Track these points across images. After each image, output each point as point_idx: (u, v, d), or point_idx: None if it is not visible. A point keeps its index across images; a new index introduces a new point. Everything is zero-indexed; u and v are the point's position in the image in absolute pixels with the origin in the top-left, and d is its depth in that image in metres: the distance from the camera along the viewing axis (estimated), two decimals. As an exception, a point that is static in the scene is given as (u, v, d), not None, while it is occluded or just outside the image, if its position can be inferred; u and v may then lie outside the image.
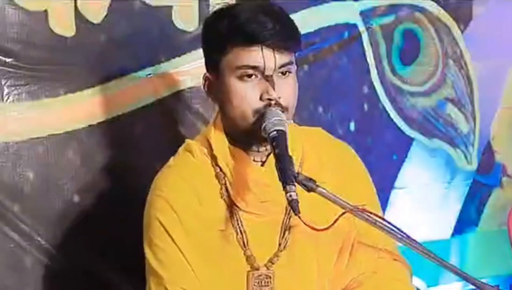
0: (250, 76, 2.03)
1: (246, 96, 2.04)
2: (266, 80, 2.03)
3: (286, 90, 2.05)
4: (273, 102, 2.02)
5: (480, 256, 3.41)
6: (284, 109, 2.04)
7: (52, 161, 2.45)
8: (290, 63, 2.06)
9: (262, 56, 2.02)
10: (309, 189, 1.91)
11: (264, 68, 2.02)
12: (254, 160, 2.12)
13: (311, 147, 2.19)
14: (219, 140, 2.13)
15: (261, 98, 2.03)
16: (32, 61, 2.40)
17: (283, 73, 2.05)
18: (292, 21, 2.10)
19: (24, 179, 2.40)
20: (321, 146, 2.22)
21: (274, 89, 2.02)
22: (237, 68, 2.04)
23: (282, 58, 2.04)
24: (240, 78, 2.04)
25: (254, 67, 2.03)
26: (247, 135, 2.08)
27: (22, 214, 2.40)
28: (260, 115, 2.02)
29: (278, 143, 1.97)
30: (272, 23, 2.03)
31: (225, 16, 2.08)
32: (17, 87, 2.39)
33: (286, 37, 2.05)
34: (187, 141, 2.21)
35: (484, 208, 3.51)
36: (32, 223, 2.42)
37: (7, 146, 2.37)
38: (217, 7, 2.19)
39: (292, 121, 2.15)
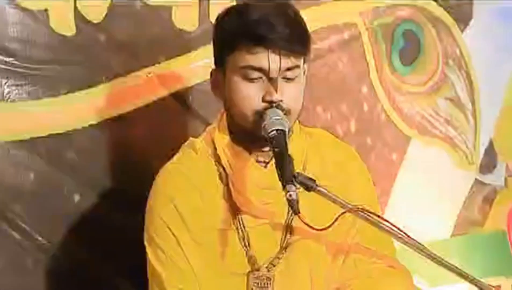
0: (254, 78, 2.03)
1: (249, 96, 2.03)
2: (270, 82, 2.02)
3: (290, 94, 2.04)
4: (274, 104, 2.02)
5: (484, 256, 3.41)
6: (286, 112, 2.03)
7: (53, 161, 2.45)
8: (296, 66, 2.05)
9: (268, 59, 2.01)
10: (309, 189, 1.91)
11: (269, 71, 2.02)
12: (257, 161, 2.12)
13: (314, 148, 2.19)
14: (223, 140, 2.14)
15: (263, 100, 2.03)
16: (33, 60, 2.40)
17: (288, 79, 2.04)
18: (303, 24, 2.08)
19: (25, 178, 2.40)
20: (324, 148, 2.22)
21: (277, 91, 2.01)
22: (241, 68, 2.03)
23: (288, 61, 2.02)
24: (244, 78, 2.04)
25: (259, 69, 2.02)
26: (248, 134, 2.08)
27: (23, 214, 2.39)
28: (260, 115, 2.02)
29: (278, 143, 1.97)
30: (282, 26, 2.01)
31: (236, 15, 2.07)
32: (18, 87, 2.38)
33: (294, 41, 2.03)
34: (191, 139, 2.22)
35: (490, 208, 3.50)
36: (33, 223, 2.41)
37: (8, 145, 2.37)
38: (217, 7, 2.19)
39: (297, 122, 2.15)
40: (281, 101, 2.02)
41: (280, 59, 2.01)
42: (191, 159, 2.16)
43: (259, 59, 2.01)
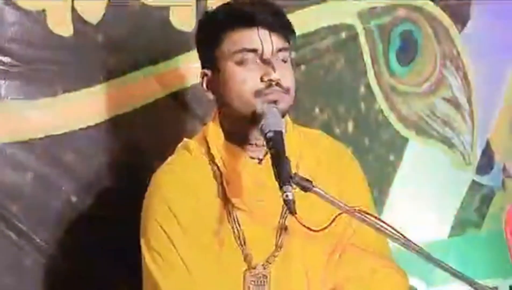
0: (248, 61, 2.06)
1: (246, 78, 2.06)
2: (265, 64, 2.06)
3: (285, 73, 2.08)
4: (274, 82, 2.05)
5: (482, 257, 3.41)
6: (286, 90, 2.06)
7: (51, 162, 2.45)
8: (286, 49, 2.10)
9: (259, 38, 2.05)
10: (305, 189, 1.92)
11: (262, 52, 2.06)
12: (251, 157, 2.13)
13: (309, 148, 2.19)
14: (216, 138, 2.15)
15: (261, 80, 2.05)
16: (30, 61, 2.40)
17: (281, 59, 2.08)
18: (285, 13, 2.16)
19: (23, 179, 2.40)
20: (319, 148, 2.22)
21: (274, 71, 2.05)
22: (235, 53, 2.07)
23: (278, 42, 2.08)
24: (239, 63, 2.07)
25: (252, 50, 2.06)
26: (243, 126, 2.09)
27: (21, 215, 2.40)
28: (260, 99, 2.04)
29: (275, 143, 1.98)
30: (267, 8, 2.09)
31: (220, 9, 2.15)
32: (15, 87, 2.38)
33: (280, 20, 2.11)
34: (185, 139, 2.23)
35: (487, 209, 3.50)
36: (31, 224, 2.41)
37: (6, 146, 2.37)
38: (214, 7, 2.21)
39: (290, 120, 2.16)
40: (279, 79, 2.05)
41: (271, 37, 2.06)
42: (185, 160, 2.17)
43: (250, 39, 2.06)
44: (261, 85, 2.05)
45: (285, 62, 2.10)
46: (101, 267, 2.49)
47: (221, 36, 2.09)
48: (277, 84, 2.05)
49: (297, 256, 2.12)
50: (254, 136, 2.11)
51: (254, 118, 2.05)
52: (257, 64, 2.07)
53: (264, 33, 2.06)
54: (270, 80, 2.05)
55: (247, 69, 2.07)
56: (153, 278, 2.08)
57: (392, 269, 2.19)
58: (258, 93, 2.05)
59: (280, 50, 2.08)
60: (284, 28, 2.11)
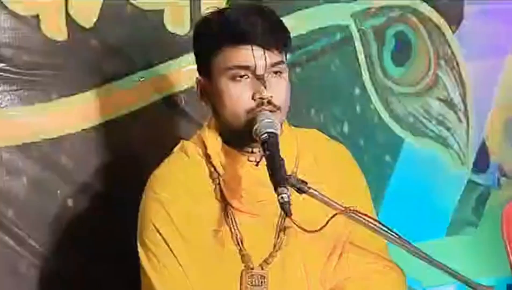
0: (241, 76, 2.05)
1: (238, 96, 2.05)
2: (257, 80, 2.04)
3: (278, 89, 2.06)
4: (265, 100, 2.04)
5: (478, 256, 3.41)
6: (277, 109, 2.05)
7: (46, 166, 2.45)
8: (281, 62, 2.08)
9: (253, 56, 2.03)
10: (301, 191, 1.92)
11: (255, 68, 2.04)
12: (248, 160, 2.13)
13: (306, 147, 2.19)
14: (213, 140, 2.15)
15: (253, 98, 2.04)
16: (25, 66, 2.40)
17: (275, 73, 2.07)
18: (282, 22, 2.12)
19: (18, 184, 2.40)
20: (316, 147, 2.23)
21: (266, 88, 2.04)
22: (228, 69, 2.05)
23: (272, 57, 2.05)
24: (232, 79, 2.06)
25: (245, 67, 2.04)
26: (240, 136, 2.09)
27: (16, 219, 2.40)
28: (252, 115, 2.03)
29: (269, 146, 1.98)
30: (262, 23, 2.05)
31: (216, 18, 2.11)
32: (10, 92, 2.39)
33: (275, 36, 2.07)
34: (182, 141, 2.22)
35: (483, 209, 3.50)
36: (26, 228, 2.42)
37: (1, 151, 2.37)
38: (209, 10, 2.20)
39: (286, 121, 2.16)
40: (271, 97, 2.04)
41: (265, 53, 2.04)
42: (182, 162, 2.17)
43: (244, 57, 2.04)
44: (252, 104, 2.04)
45: (280, 73, 2.08)
46: (97, 271, 2.49)
47: (215, 50, 2.07)
48: (269, 102, 2.04)
49: (296, 256, 2.12)
50: (250, 144, 2.11)
51: (248, 132, 2.04)
52: (250, 80, 2.05)
53: (258, 51, 2.04)
54: (261, 98, 2.04)
55: (240, 85, 2.05)
56: (149, 279, 2.08)
57: (390, 268, 2.19)
58: (250, 111, 2.04)
59: (274, 64, 2.06)
60: (280, 43, 2.08)
